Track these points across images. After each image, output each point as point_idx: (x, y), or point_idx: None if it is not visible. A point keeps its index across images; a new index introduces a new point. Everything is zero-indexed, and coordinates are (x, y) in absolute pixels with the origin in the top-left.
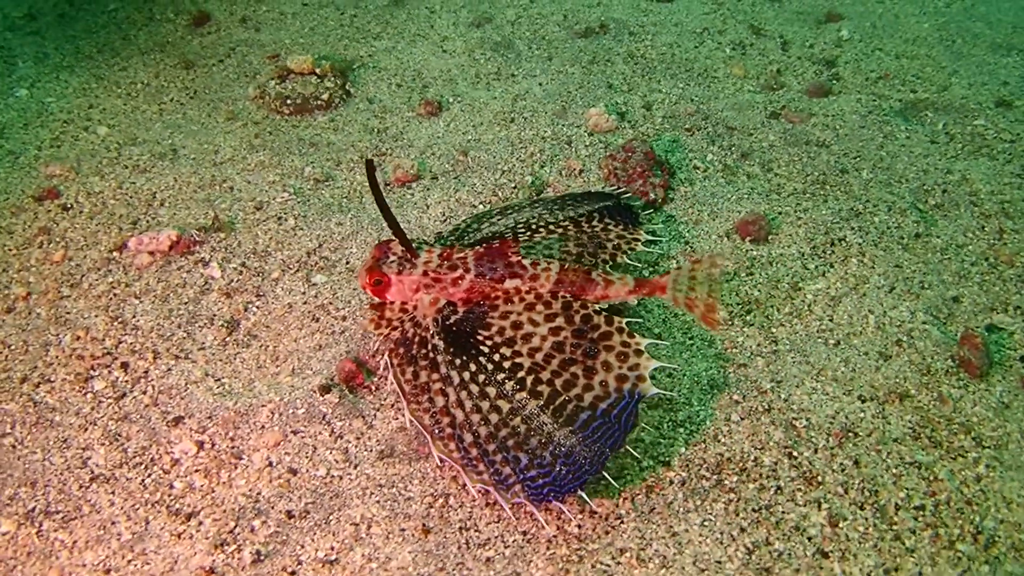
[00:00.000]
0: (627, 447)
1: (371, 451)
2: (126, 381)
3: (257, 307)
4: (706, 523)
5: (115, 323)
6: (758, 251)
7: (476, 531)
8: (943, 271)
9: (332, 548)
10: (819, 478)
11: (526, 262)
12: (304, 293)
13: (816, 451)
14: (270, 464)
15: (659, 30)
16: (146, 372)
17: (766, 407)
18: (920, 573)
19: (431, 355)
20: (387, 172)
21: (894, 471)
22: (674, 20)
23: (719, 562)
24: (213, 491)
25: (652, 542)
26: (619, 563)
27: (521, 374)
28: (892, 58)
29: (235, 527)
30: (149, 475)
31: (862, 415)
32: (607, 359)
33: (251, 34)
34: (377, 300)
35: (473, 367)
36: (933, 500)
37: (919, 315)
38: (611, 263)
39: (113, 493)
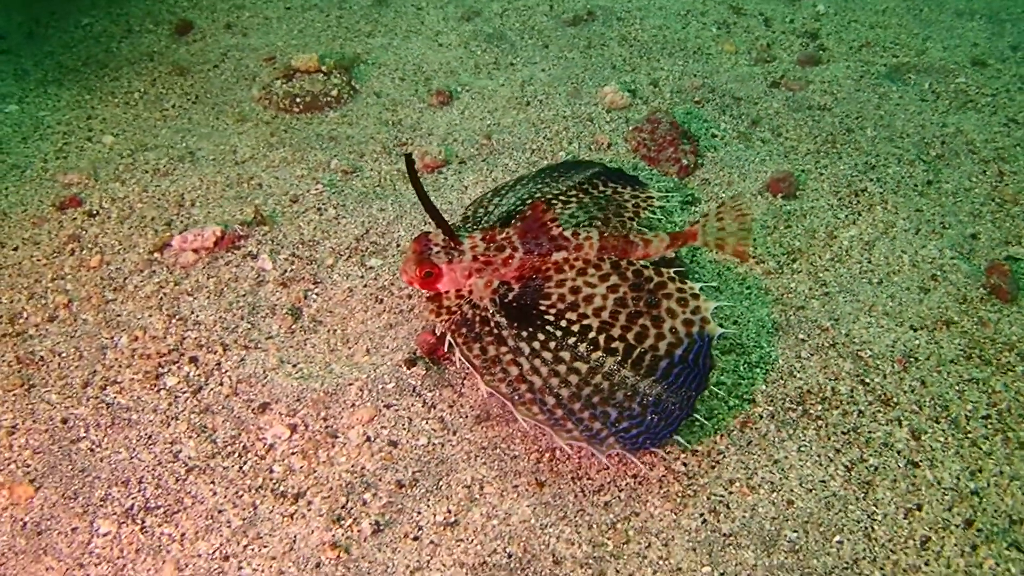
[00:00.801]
0: (711, 387)
1: (467, 417)
2: (199, 375)
3: (317, 294)
4: (802, 449)
5: (174, 320)
6: (791, 206)
7: (589, 479)
8: (958, 212)
9: (449, 511)
10: (893, 400)
11: (567, 233)
12: (363, 277)
13: (885, 376)
14: (368, 439)
15: (645, 14)
16: (218, 364)
17: (831, 342)
18: (1000, 471)
19: (495, 331)
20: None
21: (956, 388)
22: (657, 4)
23: (823, 481)
24: (315, 471)
25: (757, 471)
26: (731, 492)
27: (592, 334)
28: (867, 28)
29: (347, 502)
30: (245, 462)
31: (917, 342)
32: (669, 306)
33: (239, 39)
34: (428, 293)
35: (542, 336)
36: (996, 409)
37: (946, 252)
38: (636, 220)
39: (213, 483)
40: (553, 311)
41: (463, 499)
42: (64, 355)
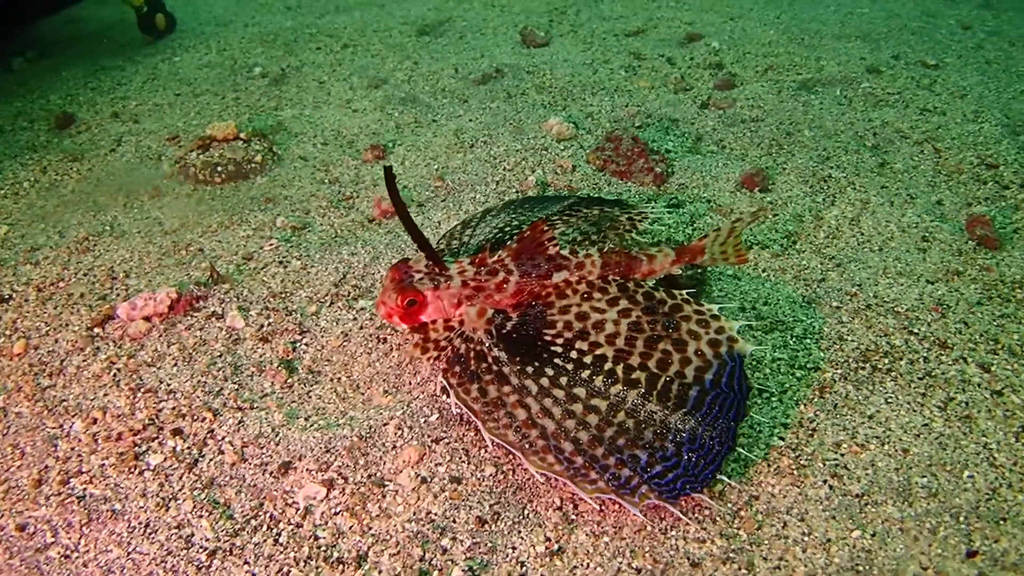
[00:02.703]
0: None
1: None
2: (190, 447)
3: (306, 344)
4: (889, 401)
5: (140, 394)
6: (770, 197)
7: None
8: (917, 185)
9: (548, 539)
10: (948, 342)
11: (565, 251)
12: (355, 319)
13: (929, 324)
14: (423, 480)
15: (552, 66)
16: (211, 432)
17: (865, 304)
18: None
19: (495, 367)
20: (365, 209)
21: (996, 323)
22: (560, 58)
23: (925, 424)
24: (370, 528)
25: (857, 429)
26: (843, 455)
27: (608, 365)
28: (762, 57)
29: (424, 553)
30: (278, 533)
31: (940, 292)
32: (690, 328)
33: (131, 126)
34: (410, 326)
35: (550, 371)
36: None
37: (924, 217)
38: (633, 233)
39: (247, 563)
40: (560, 341)
41: (559, 523)
42: (2, 456)
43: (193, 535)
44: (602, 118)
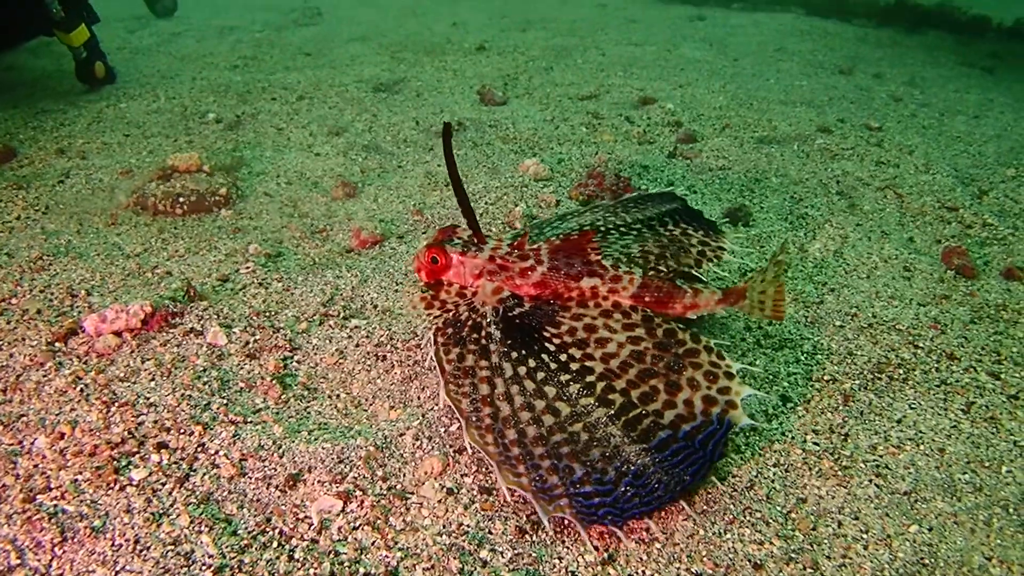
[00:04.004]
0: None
1: None
2: (178, 461)
3: (298, 361)
4: (913, 406)
5: (115, 408)
6: (754, 231)
7: (734, 476)
8: (888, 223)
9: (597, 548)
10: (955, 354)
11: (607, 262)
12: (350, 337)
13: (932, 339)
14: (450, 492)
15: (515, 121)
16: (202, 446)
17: (867, 323)
18: None
19: (483, 341)
20: (342, 240)
21: (992, 339)
22: (521, 115)
23: (955, 425)
24: (396, 542)
25: (888, 432)
26: (882, 455)
27: (591, 378)
28: (715, 119)
29: (463, 567)
30: (292, 549)
31: (934, 312)
32: (694, 377)
33: (78, 161)
34: (429, 283)
35: (532, 363)
36: None
37: (902, 250)
38: (695, 269)
39: None
40: (557, 341)
41: (605, 532)
42: None
43: (194, 552)
44: (574, 163)
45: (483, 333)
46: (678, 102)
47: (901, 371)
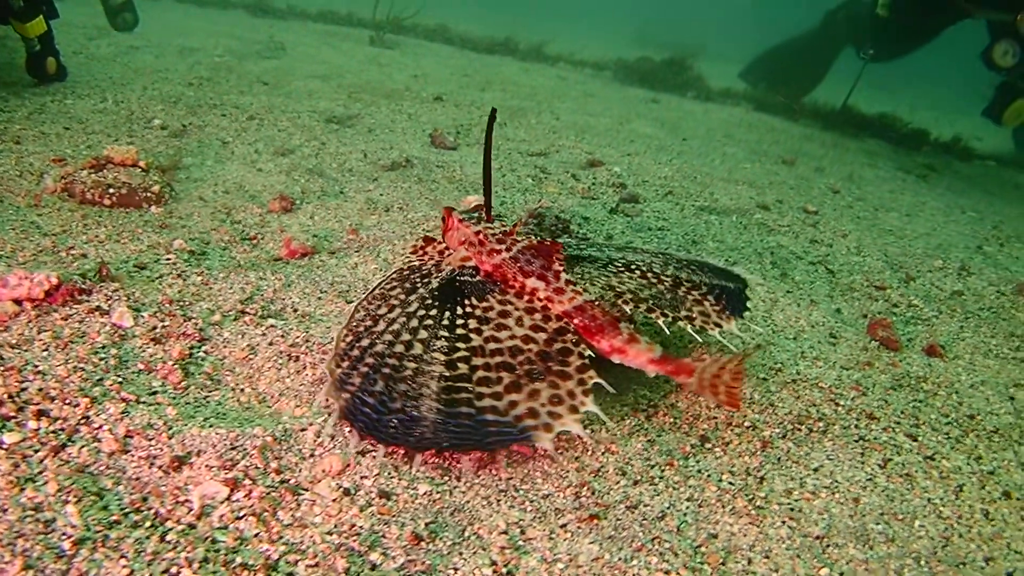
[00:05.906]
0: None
1: (470, 461)
2: (56, 430)
3: (206, 352)
4: (830, 457)
5: None
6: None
7: (645, 505)
8: (817, 294)
9: (495, 563)
10: (875, 414)
11: (564, 276)
12: (264, 335)
13: (853, 400)
14: (346, 492)
15: (462, 163)
16: (86, 418)
17: (790, 379)
18: (1002, 456)
19: (418, 287)
20: (272, 249)
21: (912, 405)
22: (469, 161)
23: (870, 479)
24: (282, 536)
25: (804, 479)
26: (796, 500)
27: (460, 345)
28: (659, 187)
29: (350, 567)
30: (165, 531)
31: (856, 376)
32: (539, 390)
33: (11, 145)
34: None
35: (433, 312)
36: (947, 418)
37: (828, 318)
38: (673, 323)
39: (125, 557)
40: (468, 309)
41: (506, 547)
42: None
43: (55, 520)
44: (516, 207)
45: (423, 282)
46: (625, 167)
47: (821, 424)
